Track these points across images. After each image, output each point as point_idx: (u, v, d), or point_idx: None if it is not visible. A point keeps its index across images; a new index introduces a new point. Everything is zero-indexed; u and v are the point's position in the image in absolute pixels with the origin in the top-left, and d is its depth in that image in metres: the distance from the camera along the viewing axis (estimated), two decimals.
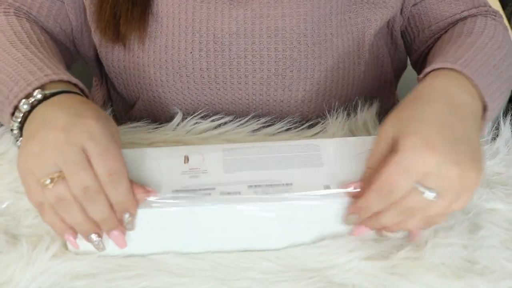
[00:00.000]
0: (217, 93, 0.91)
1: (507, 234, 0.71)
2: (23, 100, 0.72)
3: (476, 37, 0.85)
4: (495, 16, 0.95)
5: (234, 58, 0.88)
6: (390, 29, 0.98)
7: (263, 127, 0.88)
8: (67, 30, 0.95)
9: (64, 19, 0.94)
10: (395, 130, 0.67)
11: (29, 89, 0.72)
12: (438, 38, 0.95)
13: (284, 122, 0.88)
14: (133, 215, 0.68)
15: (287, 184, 0.70)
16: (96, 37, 0.93)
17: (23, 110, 0.71)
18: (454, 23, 0.94)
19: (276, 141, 0.79)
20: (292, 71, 0.89)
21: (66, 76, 0.75)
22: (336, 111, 0.89)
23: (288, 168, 0.73)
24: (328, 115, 0.89)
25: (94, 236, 0.68)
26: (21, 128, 0.72)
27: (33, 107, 0.71)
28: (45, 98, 0.72)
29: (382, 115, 0.89)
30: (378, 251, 0.71)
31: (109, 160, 0.66)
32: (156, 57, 0.90)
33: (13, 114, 0.73)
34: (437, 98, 0.70)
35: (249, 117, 0.89)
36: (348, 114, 0.89)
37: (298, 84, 0.90)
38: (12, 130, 0.73)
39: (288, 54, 0.88)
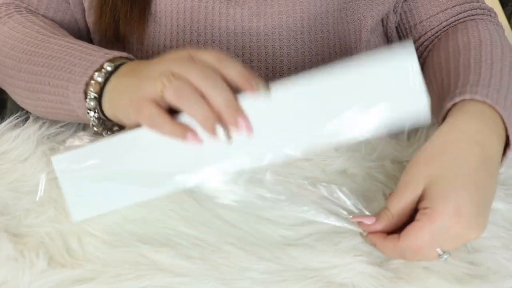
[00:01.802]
0: None
1: (507, 234, 0.71)
2: (96, 73, 0.74)
3: (487, 47, 0.84)
4: (491, 15, 0.95)
5: (231, 56, 0.88)
6: (384, 27, 0.98)
7: None
8: (73, 33, 0.95)
9: (70, 20, 0.95)
10: (425, 186, 0.68)
11: (96, 65, 0.74)
12: (434, 37, 0.96)
13: None
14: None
15: None
16: (95, 38, 0.94)
17: (99, 81, 0.73)
18: (450, 23, 0.95)
19: None
20: (289, 68, 0.90)
21: (121, 53, 0.78)
22: None
23: None
24: None
25: (219, 127, 0.66)
26: (98, 100, 0.74)
27: (106, 79, 0.73)
28: (115, 69, 0.73)
29: None
30: (379, 252, 0.71)
31: (213, 52, 0.68)
32: (155, 57, 0.90)
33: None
34: (469, 151, 0.70)
35: None
36: None
37: None
38: (88, 105, 0.74)
39: (285, 51, 0.89)
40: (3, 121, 0.85)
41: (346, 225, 0.73)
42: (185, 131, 0.66)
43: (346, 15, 0.91)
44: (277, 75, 0.90)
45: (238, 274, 0.69)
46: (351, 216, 0.73)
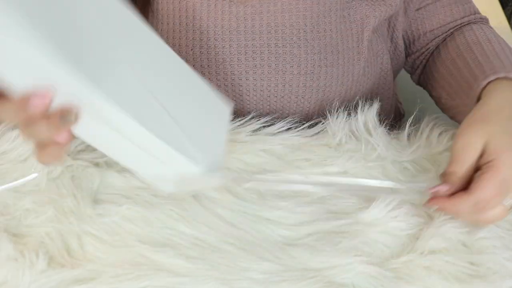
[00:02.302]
0: (217, 89, 0.90)
1: (507, 234, 0.71)
2: None
3: (497, 44, 0.91)
4: (488, 23, 1.02)
5: (234, 54, 0.88)
6: (391, 28, 0.99)
7: (264, 127, 0.88)
8: None
9: None
10: (484, 143, 0.72)
11: None
12: (440, 41, 0.99)
13: (285, 122, 0.88)
14: None
15: None
16: None
17: None
18: (456, 28, 0.99)
19: None
20: (292, 66, 0.89)
21: None
22: (337, 111, 0.89)
23: None
24: (328, 115, 0.89)
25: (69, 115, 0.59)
26: None
27: None
28: None
29: (382, 115, 0.90)
30: (379, 252, 0.71)
31: None
32: None
33: None
34: None
35: (249, 117, 0.89)
36: (349, 114, 0.89)
37: (298, 79, 0.90)
38: None
39: (288, 49, 0.88)
40: None
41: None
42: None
43: (348, 14, 0.91)
44: (280, 73, 0.90)
45: (238, 274, 0.69)
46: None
